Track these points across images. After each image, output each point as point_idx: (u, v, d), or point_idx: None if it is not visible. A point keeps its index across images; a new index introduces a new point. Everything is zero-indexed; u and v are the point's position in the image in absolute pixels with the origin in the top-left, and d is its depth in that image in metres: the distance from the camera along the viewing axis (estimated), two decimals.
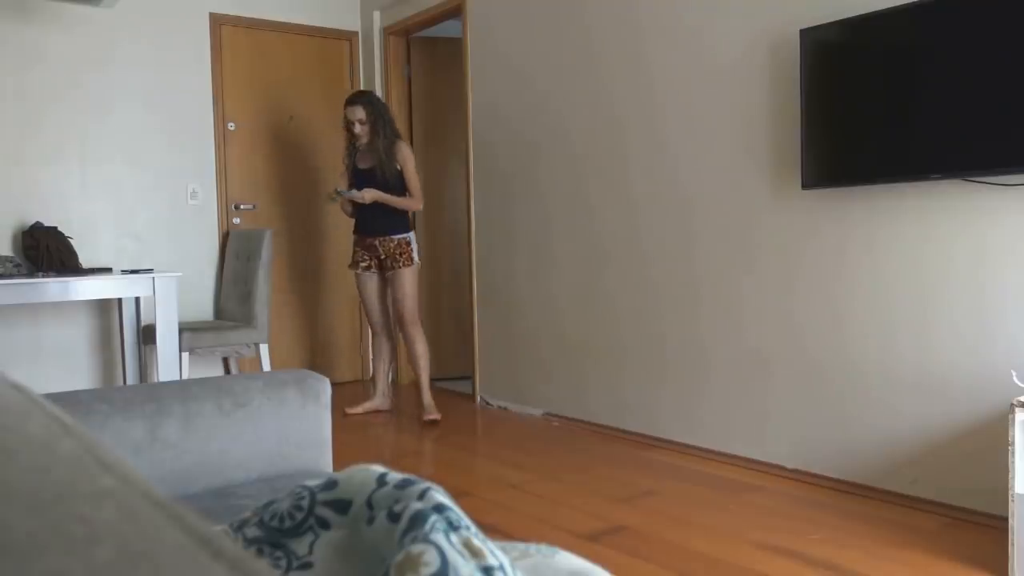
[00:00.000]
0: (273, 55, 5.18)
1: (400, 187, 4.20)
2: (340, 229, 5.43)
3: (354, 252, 4.34)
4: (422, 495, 0.69)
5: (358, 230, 4.31)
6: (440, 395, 4.91)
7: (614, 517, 2.69)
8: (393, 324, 4.40)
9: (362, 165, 4.24)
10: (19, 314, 4.40)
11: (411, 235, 4.26)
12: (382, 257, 4.24)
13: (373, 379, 4.41)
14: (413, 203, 4.23)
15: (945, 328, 2.64)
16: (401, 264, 4.19)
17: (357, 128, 4.19)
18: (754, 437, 3.25)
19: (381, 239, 4.22)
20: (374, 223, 4.22)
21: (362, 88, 5.51)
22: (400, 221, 4.23)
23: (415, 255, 4.25)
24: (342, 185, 4.34)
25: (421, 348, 4.28)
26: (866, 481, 2.88)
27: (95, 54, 4.58)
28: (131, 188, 4.71)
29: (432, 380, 5.38)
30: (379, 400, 4.41)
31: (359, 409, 4.37)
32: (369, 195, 4.13)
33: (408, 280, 4.21)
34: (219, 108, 4.96)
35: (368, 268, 4.29)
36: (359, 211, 4.25)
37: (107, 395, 1.53)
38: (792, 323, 3.09)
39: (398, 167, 4.18)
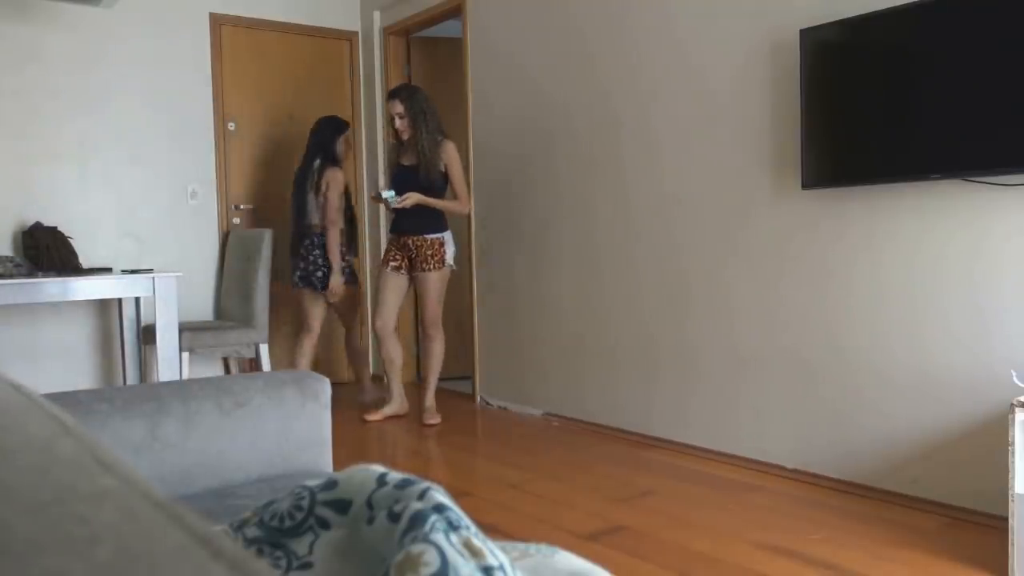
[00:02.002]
0: (273, 55, 5.18)
1: (443, 187, 4.13)
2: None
3: (387, 250, 4.24)
4: (422, 495, 0.69)
5: (393, 229, 4.21)
6: (440, 395, 4.91)
7: (614, 517, 2.69)
8: (397, 328, 4.34)
9: (405, 162, 4.15)
10: (19, 314, 4.40)
11: (446, 235, 4.16)
12: (413, 256, 4.14)
13: (388, 385, 4.35)
14: (459, 206, 4.14)
15: (945, 328, 2.65)
16: (432, 267, 4.09)
17: (397, 123, 4.11)
18: (754, 437, 3.25)
19: (414, 238, 4.11)
20: (409, 222, 4.12)
21: (360, 88, 5.51)
22: (436, 220, 4.12)
23: (448, 258, 4.14)
24: (383, 183, 4.23)
25: (438, 349, 4.22)
26: (866, 481, 2.88)
27: (95, 54, 4.58)
28: (131, 188, 4.71)
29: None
30: (397, 405, 4.32)
31: (378, 415, 4.28)
32: (411, 200, 4.01)
33: (435, 283, 4.12)
34: (219, 108, 4.96)
35: (398, 268, 4.16)
36: (397, 209, 4.14)
37: (107, 395, 1.53)
38: (792, 322, 3.09)
39: (442, 167, 4.10)
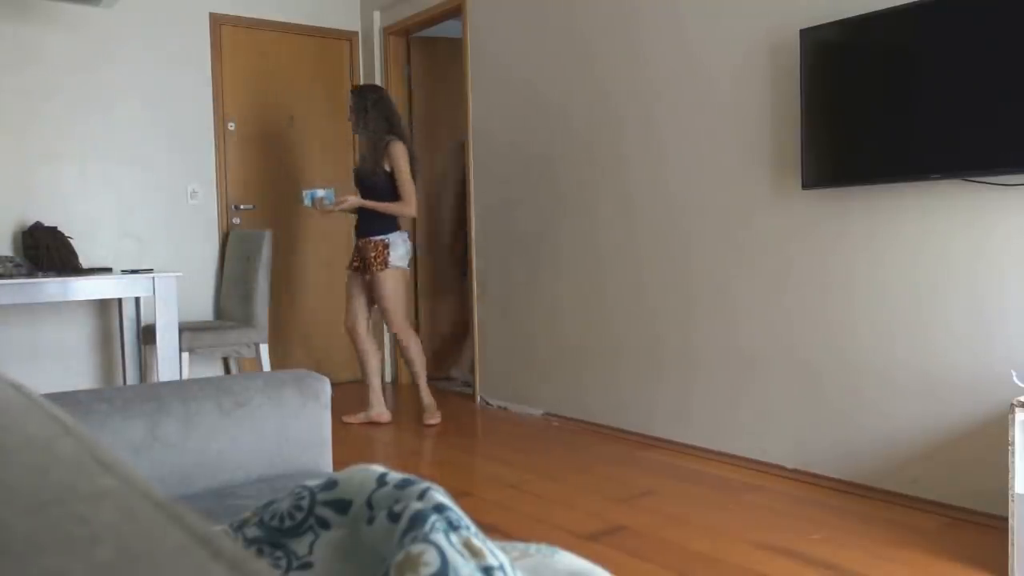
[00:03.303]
0: (273, 55, 5.18)
1: (388, 188, 4.06)
2: (338, 229, 5.43)
3: (352, 252, 4.30)
4: (422, 495, 0.69)
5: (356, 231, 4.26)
6: (440, 395, 4.91)
7: (614, 517, 2.69)
8: (369, 327, 4.27)
9: (362, 163, 4.16)
10: (19, 314, 4.40)
11: (391, 237, 4.08)
12: (365, 258, 4.13)
13: (368, 387, 4.29)
14: (400, 207, 4.04)
15: (945, 328, 2.65)
16: (376, 268, 4.06)
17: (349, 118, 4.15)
18: (754, 437, 3.25)
19: (362, 240, 4.12)
20: (360, 224, 4.15)
21: None
22: (380, 223, 4.08)
23: (392, 258, 4.07)
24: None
25: (413, 351, 4.16)
26: (866, 481, 2.88)
27: (95, 54, 4.58)
28: (131, 188, 4.71)
29: (432, 380, 5.37)
30: (377, 410, 4.24)
31: (354, 420, 4.23)
32: (348, 202, 4.03)
33: (385, 284, 4.07)
34: (219, 108, 4.96)
35: (357, 269, 4.19)
36: (357, 211, 4.16)
37: (107, 395, 1.53)
38: (793, 323, 3.09)
39: (387, 167, 4.04)
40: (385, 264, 4.07)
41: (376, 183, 4.06)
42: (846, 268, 2.91)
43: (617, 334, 3.82)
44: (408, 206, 4.05)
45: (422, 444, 3.81)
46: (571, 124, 4.01)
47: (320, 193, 4.09)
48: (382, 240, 4.08)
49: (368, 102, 4.06)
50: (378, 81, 5.36)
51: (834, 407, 2.97)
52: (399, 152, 4.02)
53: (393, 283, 4.10)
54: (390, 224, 4.11)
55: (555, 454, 3.52)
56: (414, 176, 4.13)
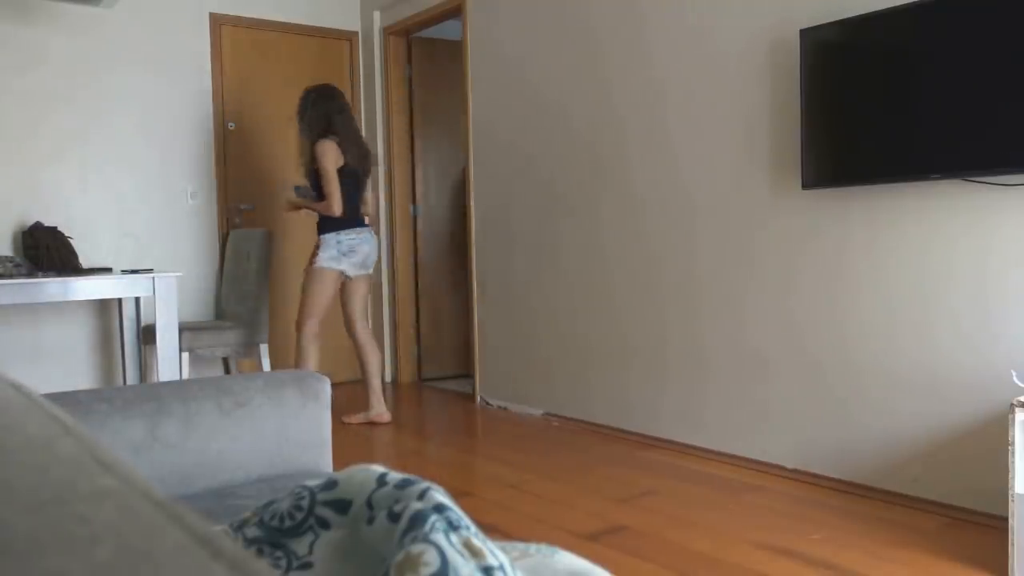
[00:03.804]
0: (273, 55, 5.18)
1: (319, 187, 4.06)
2: None
3: None
4: (422, 495, 0.69)
5: None
6: (440, 395, 4.91)
7: (614, 517, 2.69)
8: (351, 325, 4.24)
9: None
10: (19, 314, 4.40)
11: (325, 237, 4.05)
12: None
13: (368, 388, 4.28)
14: (321, 206, 4.02)
15: (945, 328, 2.64)
16: (306, 265, 4.13)
17: None
18: (754, 437, 3.25)
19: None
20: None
21: (360, 88, 5.51)
22: (322, 223, 4.09)
23: (320, 258, 4.04)
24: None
25: (311, 359, 4.09)
26: (866, 481, 2.88)
27: (95, 54, 4.58)
28: (131, 188, 4.71)
29: (429, 380, 5.38)
30: (377, 410, 4.21)
31: (353, 420, 4.20)
32: (287, 202, 4.13)
33: (307, 282, 4.07)
34: (219, 108, 4.96)
35: None
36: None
37: (107, 395, 1.53)
38: (793, 323, 3.09)
39: (315, 167, 4.04)
40: (311, 263, 4.09)
41: (311, 183, 4.11)
42: (847, 268, 2.91)
43: (620, 334, 3.82)
44: (329, 205, 4.00)
45: (422, 444, 3.81)
46: (572, 124, 4.01)
47: (300, 188, 4.15)
48: (319, 240, 4.10)
49: (308, 101, 4.09)
50: (378, 81, 5.37)
51: (834, 406, 2.97)
52: (322, 151, 3.99)
53: (317, 284, 4.06)
54: (330, 224, 4.08)
55: (555, 454, 3.52)
56: (364, 175, 4.16)
